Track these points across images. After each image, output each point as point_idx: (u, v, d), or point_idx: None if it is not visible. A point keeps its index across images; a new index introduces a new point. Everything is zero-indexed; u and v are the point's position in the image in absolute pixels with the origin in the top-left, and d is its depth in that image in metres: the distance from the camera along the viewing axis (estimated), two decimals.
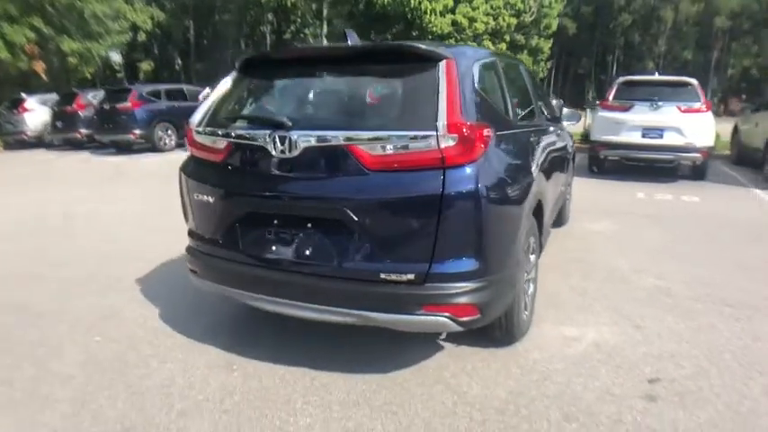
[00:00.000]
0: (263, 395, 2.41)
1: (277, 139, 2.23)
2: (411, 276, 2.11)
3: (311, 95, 2.64)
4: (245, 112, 2.70)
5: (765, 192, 7.50)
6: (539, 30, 13.78)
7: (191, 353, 2.80)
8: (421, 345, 2.82)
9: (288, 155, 2.23)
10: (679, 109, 7.65)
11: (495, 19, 11.89)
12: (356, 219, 2.13)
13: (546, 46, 14.59)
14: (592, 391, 2.44)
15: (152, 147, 12.25)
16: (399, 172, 2.10)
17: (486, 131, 2.15)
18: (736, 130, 10.11)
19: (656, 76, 9.04)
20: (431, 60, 2.21)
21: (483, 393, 2.41)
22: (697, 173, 8.17)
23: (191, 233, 2.75)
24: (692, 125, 7.60)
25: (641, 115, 7.78)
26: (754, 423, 2.20)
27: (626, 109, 7.87)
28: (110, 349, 2.87)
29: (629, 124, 7.87)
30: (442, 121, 2.04)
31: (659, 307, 3.39)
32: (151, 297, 3.55)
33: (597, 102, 10.45)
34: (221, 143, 2.47)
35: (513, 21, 12.51)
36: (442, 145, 2.04)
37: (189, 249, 2.76)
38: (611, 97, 8.22)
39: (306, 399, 2.38)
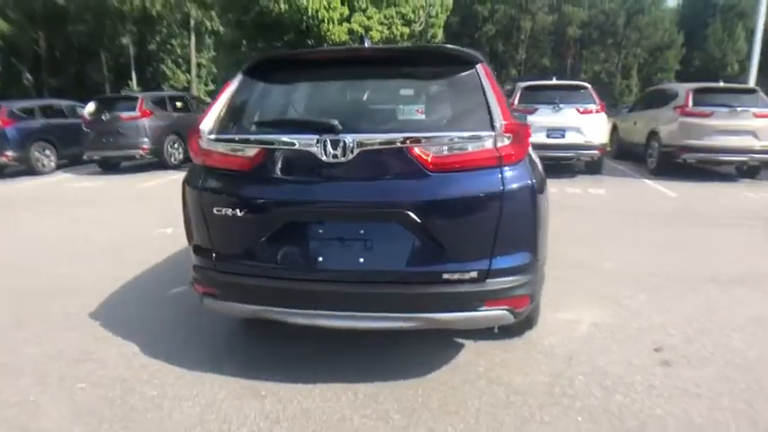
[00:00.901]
0: (311, 417, 2.33)
1: (329, 144, 2.19)
2: (474, 274, 2.21)
3: (348, 98, 2.60)
4: (272, 116, 2.56)
5: (653, 181, 8.77)
6: (426, 39, 14.60)
7: (203, 386, 2.59)
8: (440, 345, 2.92)
9: (340, 159, 2.19)
10: (578, 110, 8.71)
11: (389, 28, 12.39)
12: (418, 220, 2.17)
13: None
14: (615, 364, 2.72)
15: (28, 169, 10.72)
16: (459, 172, 2.19)
17: (529, 130, 2.32)
18: (615, 127, 11.60)
19: (555, 81, 10.09)
20: (468, 63, 2.34)
21: (526, 381, 2.58)
22: (593, 168, 9.26)
23: (203, 253, 2.52)
24: (590, 125, 8.70)
25: (545, 117, 8.65)
26: (752, 370, 2.63)
27: (531, 112, 8.67)
28: (103, 396, 2.54)
29: (535, 126, 8.67)
30: (498, 122, 2.18)
31: (627, 286, 3.84)
32: (119, 333, 3.20)
33: None
34: (251, 150, 2.33)
35: (406, 30, 13.14)
36: (499, 144, 2.17)
37: (202, 271, 2.54)
38: (516, 101, 8.99)
39: (360, 413, 2.35)
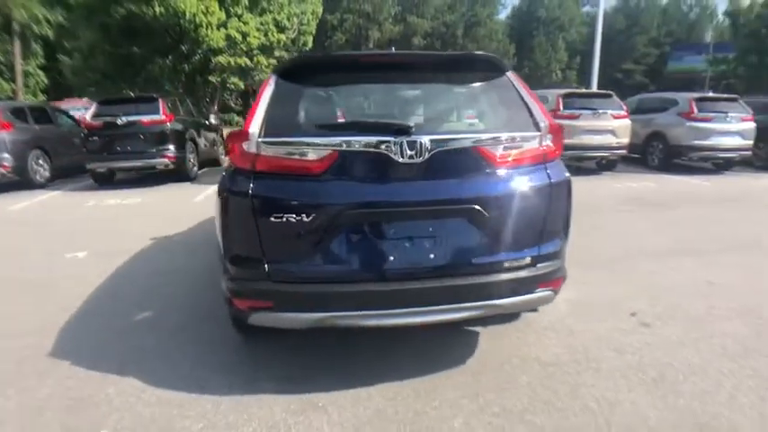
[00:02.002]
0: (387, 416, 2.41)
1: (405, 145, 2.30)
2: (528, 260, 2.51)
3: (397, 101, 2.68)
4: (331, 118, 2.54)
5: (660, 174, 10.43)
6: (298, 47, 14.73)
7: (251, 407, 2.48)
8: (457, 338, 3.16)
9: (416, 160, 2.32)
10: (612, 116, 10.09)
11: (265, 35, 12.25)
12: (486, 214, 2.40)
13: None
14: (610, 330, 3.24)
15: (25, 182, 9.15)
16: (516, 168, 2.47)
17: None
18: None
19: (587, 90, 11.27)
20: (500, 69, 2.64)
21: (551, 355, 2.96)
22: (610, 165, 10.78)
23: (251, 264, 2.41)
24: (622, 128, 10.24)
25: (587, 122, 9.90)
26: (709, 322, 3.33)
27: (576, 117, 9.84)
28: None
29: (580, 129, 9.82)
30: (543, 123, 2.51)
31: (574, 266, 4.44)
32: (102, 369, 2.86)
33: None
34: (319, 152, 2.33)
35: (283, 37, 13.10)
36: (543, 143, 2.51)
37: (248, 284, 2.43)
38: (561, 108, 9.98)
39: (431, 405, 2.49)
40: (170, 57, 11.38)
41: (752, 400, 2.52)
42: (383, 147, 2.32)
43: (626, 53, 53.33)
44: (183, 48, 11.05)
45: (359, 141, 2.34)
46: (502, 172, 2.46)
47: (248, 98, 19.20)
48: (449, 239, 2.43)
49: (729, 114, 10.57)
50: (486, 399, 2.54)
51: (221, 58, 11.32)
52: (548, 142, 2.53)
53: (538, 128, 2.52)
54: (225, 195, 2.44)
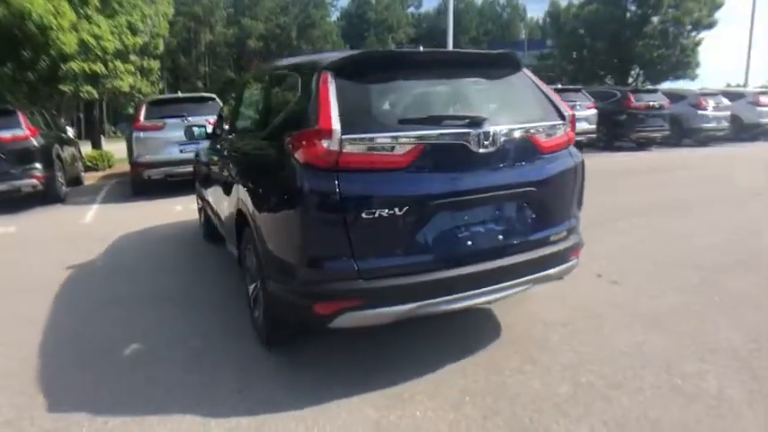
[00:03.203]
0: (482, 388, 2.60)
1: (482, 136, 2.48)
2: (564, 233, 2.87)
3: (452, 95, 2.77)
4: (404, 113, 2.53)
5: None
6: (149, 51, 13.57)
7: (339, 410, 2.42)
8: (470, 321, 3.35)
9: (489, 149, 2.52)
10: (586, 107, 12.84)
11: (120, 38, 11.04)
12: (539, 196, 2.68)
13: (155, 67, 14.45)
14: (593, 291, 3.77)
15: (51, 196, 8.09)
16: (555, 153, 2.80)
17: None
18: None
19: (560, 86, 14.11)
20: (518, 66, 2.94)
21: (558, 318, 3.36)
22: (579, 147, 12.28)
23: (338, 264, 2.36)
24: (592, 116, 13.03)
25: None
26: (674, 270, 4.07)
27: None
28: None
29: None
30: (567, 113, 2.87)
31: None
32: (121, 401, 2.53)
33: None
34: (404, 147, 2.37)
35: (139, 41, 11.93)
36: (567, 130, 2.88)
37: (334, 285, 2.36)
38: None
39: (506, 374, 2.73)
40: (8, 65, 9.68)
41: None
42: (463, 138, 2.48)
43: None
44: (25, 53, 9.48)
45: (443, 134, 2.46)
46: (546, 157, 2.78)
47: (92, 109, 17.12)
48: (511, 220, 2.68)
49: (577, 103, 12.47)
50: (543, 359, 2.85)
51: (74, 65, 9.97)
52: (568, 130, 2.92)
53: (563, 117, 2.89)
54: (304, 196, 2.33)
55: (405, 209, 2.34)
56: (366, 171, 2.36)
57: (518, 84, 2.91)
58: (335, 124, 2.30)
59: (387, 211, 2.32)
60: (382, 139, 2.36)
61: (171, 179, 8.72)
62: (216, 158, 4.31)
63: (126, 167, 12.15)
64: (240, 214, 3.13)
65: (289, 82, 3.01)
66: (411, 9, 62.37)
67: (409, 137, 2.39)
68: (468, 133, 2.48)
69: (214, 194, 4.36)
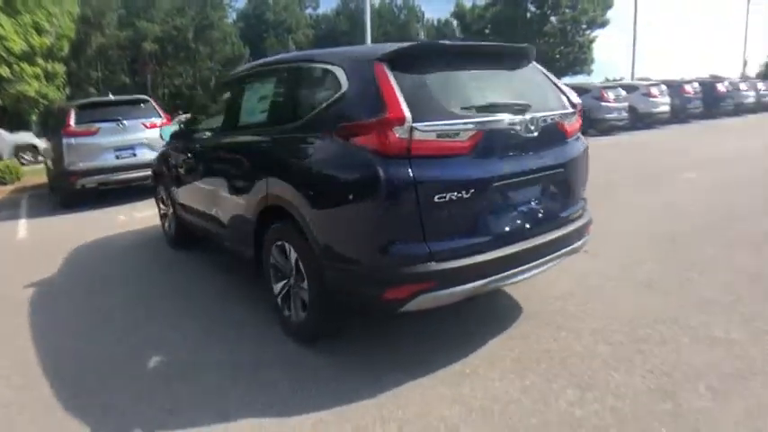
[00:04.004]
0: (539, 359, 2.79)
1: (528, 122, 2.66)
2: (581, 211, 3.14)
3: (492, 84, 2.88)
4: (460, 101, 2.61)
5: None
6: (54, 53, 12.43)
7: (415, 396, 2.51)
8: (477, 310, 3.51)
9: (532, 134, 2.72)
10: None
11: (25, 39, 9.99)
12: (565, 176, 2.93)
13: (60, 70, 13.24)
14: (579, 265, 4.08)
15: None
16: (573, 137, 3.06)
17: None
18: None
19: None
20: (533, 58, 3.16)
21: (567, 288, 3.67)
22: None
23: (411, 248, 2.42)
24: None
25: None
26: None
27: None
28: None
29: None
30: (577, 101, 3.13)
31: None
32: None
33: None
34: (467, 133, 2.48)
35: (46, 41, 10.85)
36: (577, 117, 3.15)
37: (408, 269, 2.40)
38: None
39: (546, 348, 2.96)
40: None
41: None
42: (514, 124, 2.66)
43: None
44: None
45: (497, 120, 2.62)
46: (569, 141, 3.05)
47: None
48: (548, 199, 2.90)
49: None
50: (570, 326, 3.10)
51: None
52: (578, 117, 3.18)
53: (574, 106, 3.14)
54: (379, 184, 2.37)
55: (470, 191, 2.48)
56: (434, 157, 2.46)
57: (536, 75, 3.13)
58: (407, 112, 2.37)
59: (455, 194, 2.44)
60: (448, 126, 2.48)
61: (103, 188, 8.20)
62: (205, 158, 4.14)
63: (38, 179, 11.18)
64: (268, 211, 3.07)
65: (318, 75, 3.01)
66: (309, 10, 62.16)
67: (470, 124, 2.54)
68: (517, 119, 2.67)
69: (203, 196, 4.19)
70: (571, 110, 3.11)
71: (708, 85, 20.13)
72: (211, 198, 4.00)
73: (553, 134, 2.92)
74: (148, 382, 2.80)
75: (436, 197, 2.41)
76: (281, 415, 2.40)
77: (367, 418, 2.34)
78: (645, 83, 18.74)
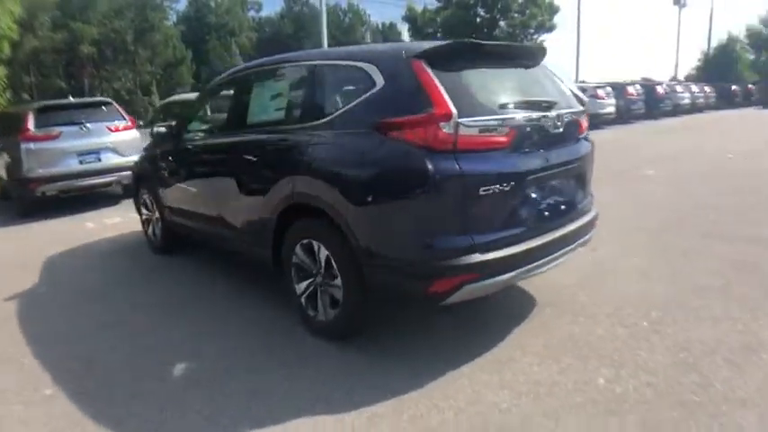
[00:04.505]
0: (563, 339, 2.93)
1: (555, 118, 2.80)
2: (591, 204, 3.32)
3: (518, 82, 2.99)
4: (497, 98, 2.73)
5: None
6: None
7: (457, 385, 2.57)
8: (492, 302, 3.62)
9: (558, 129, 2.87)
10: None
11: None
12: (581, 171, 3.10)
13: (2, 73, 12.41)
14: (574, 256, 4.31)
15: None
16: (584, 133, 3.24)
17: None
18: None
19: None
20: (543, 59, 3.31)
21: (573, 282, 3.85)
22: None
23: (456, 241, 2.49)
24: None
25: None
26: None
27: None
28: None
29: None
30: (585, 99, 3.31)
31: None
32: None
33: None
34: (505, 128, 2.59)
35: None
36: (586, 115, 3.33)
37: (455, 261, 2.47)
38: None
39: (578, 321, 3.11)
40: None
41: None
42: (544, 120, 2.81)
43: None
44: None
45: (531, 116, 2.75)
46: (581, 137, 3.24)
47: None
48: (567, 192, 3.06)
49: None
50: (586, 312, 3.28)
51: None
52: (586, 114, 3.37)
53: (582, 104, 3.32)
54: (427, 178, 2.44)
55: (509, 184, 2.60)
56: (477, 151, 2.56)
57: (549, 74, 3.29)
58: (453, 108, 2.46)
59: (496, 187, 2.54)
60: (489, 121, 2.59)
61: (65, 195, 7.81)
62: (206, 159, 4.07)
63: None
64: (290, 210, 3.07)
65: (346, 72, 3.04)
66: (252, 13, 61.32)
67: (508, 119, 2.67)
68: (547, 116, 2.83)
69: (203, 198, 4.10)
70: (582, 108, 3.29)
71: (649, 88, 21.38)
72: (215, 199, 3.93)
73: (572, 130, 3.08)
74: (183, 388, 2.73)
75: (480, 190, 2.50)
76: (332, 412, 2.41)
77: (420, 407, 2.39)
78: (592, 85, 19.66)
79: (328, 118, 2.95)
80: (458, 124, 2.46)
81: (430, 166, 2.43)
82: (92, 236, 6.31)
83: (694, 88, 25.30)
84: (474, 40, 2.89)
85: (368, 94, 2.75)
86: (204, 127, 4.55)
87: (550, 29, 27.43)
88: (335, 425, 2.31)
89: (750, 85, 33.06)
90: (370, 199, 2.65)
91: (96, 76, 45.81)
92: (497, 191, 2.55)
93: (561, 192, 3.00)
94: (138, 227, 6.08)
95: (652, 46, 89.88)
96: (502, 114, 2.67)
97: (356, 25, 64.27)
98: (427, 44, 2.74)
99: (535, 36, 27.69)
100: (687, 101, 23.51)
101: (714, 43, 42.73)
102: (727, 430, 2.16)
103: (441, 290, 2.52)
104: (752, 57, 43.99)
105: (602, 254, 4.33)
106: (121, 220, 7.01)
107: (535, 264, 2.77)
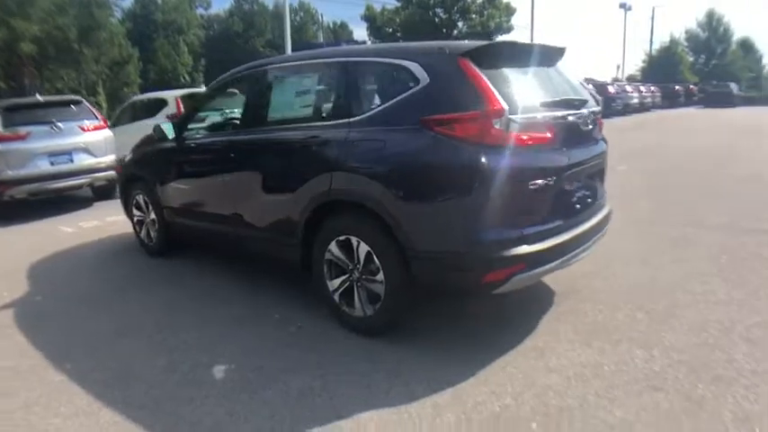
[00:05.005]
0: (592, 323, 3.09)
1: (587, 115, 2.97)
2: (606, 198, 3.51)
3: (549, 80, 3.12)
4: (540, 96, 2.89)
5: None
6: None
7: (510, 366, 2.65)
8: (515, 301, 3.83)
9: (589, 127, 3.05)
10: None
11: None
12: (603, 166, 3.30)
13: None
14: None
15: None
16: (601, 131, 3.41)
17: None
18: None
19: None
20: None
21: (585, 271, 4.01)
22: None
23: (507, 232, 2.61)
24: None
25: None
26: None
27: None
28: None
29: None
30: (600, 98, 3.49)
31: None
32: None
33: None
34: (548, 125, 2.74)
35: None
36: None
37: (506, 251, 2.57)
38: None
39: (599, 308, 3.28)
40: None
41: None
42: (579, 117, 2.98)
43: (248, 55, 56.96)
44: None
45: (568, 113, 2.91)
46: (600, 134, 3.41)
47: None
48: (593, 186, 3.24)
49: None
50: (604, 300, 3.47)
51: None
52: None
53: (598, 103, 3.50)
54: (482, 173, 2.54)
55: (553, 179, 2.75)
56: (525, 147, 2.68)
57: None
58: (505, 105, 2.57)
59: (542, 181, 2.69)
60: (535, 118, 2.74)
61: (34, 198, 7.43)
62: (222, 157, 3.94)
63: None
64: (325, 207, 3.09)
65: (384, 70, 3.09)
66: (200, 10, 59.74)
67: (550, 116, 2.82)
68: (581, 113, 2.99)
69: (216, 197, 4.04)
70: (599, 107, 3.47)
71: (601, 87, 22.30)
72: (231, 198, 3.87)
73: (596, 127, 3.26)
74: (230, 390, 2.68)
75: (529, 184, 2.64)
76: (394, 404, 2.44)
77: (479, 395, 2.48)
78: None
79: (367, 114, 2.99)
80: (509, 121, 2.58)
81: (485, 161, 2.54)
82: (73, 241, 6.05)
83: (642, 88, 26.62)
84: (511, 40, 3.01)
85: (411, 91, 2.81)
86: (216, 124, 4.47)
87: (508, 30, 28.22)
88: (401, 416, 2.36)
89: (691, 86, 35.10)
90: (421, 194, 2.71)
91: (38, 76, 43.57)
92: (543, 185, 2.69)
93: (588, 186, 3.16)
94: (122, 229, 5.90)
95: (599, 48, 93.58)
96: (544, 111, 2.81)
97: (308, 24, 63.76)
98: (469, 43, 2.84)
99: (493, 37, 28.36)
100: (636, 100, 24.72)
101: (657, 45, 45.08)
102: (762, 400, 2.35)
103: (493, 280, 2.64)
104: (691, 59, 46.63)
105: (602, 245, 4.54)
106: (100, 224, 6.78)
107: (571, 254, 2.92)
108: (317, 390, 2.61)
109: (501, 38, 28.82)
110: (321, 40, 53.53)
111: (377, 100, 3.06)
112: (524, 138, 2.67)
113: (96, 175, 7.79)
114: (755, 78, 50.39)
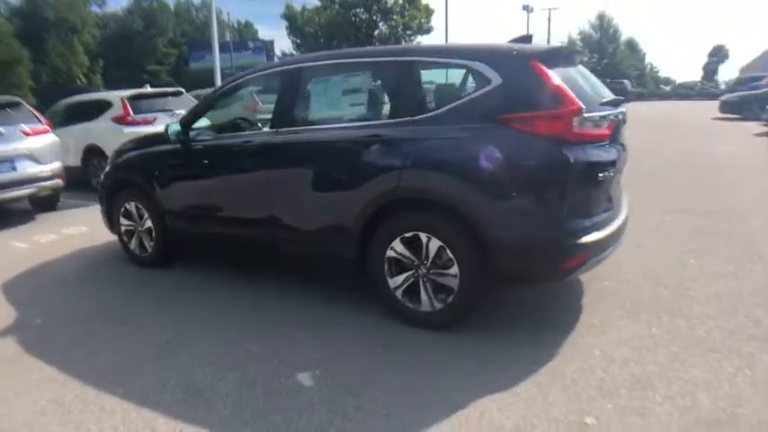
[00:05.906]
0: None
1: (623, 113, 3.31)
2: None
3: (591, 81, 3.38)
4: (592, 96, 3.11)
5: None
6: None
7: (567, 349, 2.90)
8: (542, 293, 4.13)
9: (623, 124, 3.35)
10: None
11: None
12: (626, 162, 3.61)
13: None
14: None
15: None
16: None
17: None
18: None
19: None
20: None
21: None
22: None
23: (577, 223, 2.85)
24: None
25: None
26: None
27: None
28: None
29: None
30: (621, 100, 3.84)
31: None
32: None
33: None
34: (607, 123, 3.04)
35: None
36: None
37: (573, 242, 2.83)
38: None
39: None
40: None
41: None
42: (619, 115, 3.30)
43: (149, 54, 53.81)
44: None
45: (613, 111, 3.20)
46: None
47: None
48: (619, 180, 3.56)
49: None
50: (624, 279, 3.86)
51: None
52: None
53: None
54: (566, 168, 2.77)
55: (611, 171, 3.08)
56: (593, 142, 2.98)
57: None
58: (582, 104, 2.83)
59: (606, 173, 3.01)
60: (600, 116, 3.04)
61: None
62: (256, 158, 3.76)
63: None
64: (386, 205, 3.17)
65: (446, 70, 3.33)
66: (94, 8, 55.57)
67: (608, 114, 3.14)
68: (621, 112, 3.33)
69: (247, 201, 3.89)
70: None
71: None
72: (268, 200, 3.72)
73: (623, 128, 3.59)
74: (318, 396, 2.65)
75: (598, 176, 2.94)
76: (502, 389, 2.58)
77: (573, 373, 2.70)
78: None
79: (434, 113, 3.11)
80: (584, 118, 2.85)
81: (568, 156, 2.79)
82: (33, 258, 5.30)
83: None
84: (566, 46, 3.28)
85: (483, 90, 2.98)
86: (237, 123, 4.34)
87: (428, 31, 29.10)
88: (515, 398, 2.52)
89: None
90: (504, 188, 2.88)
91: None
92: (606, 177, 3.02)
93: (619, 180, 3.52)
94: (88, 243, 5.52)
95: None
96: (602, 110, 3.12)
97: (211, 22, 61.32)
98: (537, 46, 3.16)
99: (413, 38, 29.13)
100: None
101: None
102: None
103: (571, 267, 2.92)
104: (585, 58, 50.55)
105: None
106: (59, 237, 6.21)
107: (617, 243, 3.26)
108: (418, 385, 2.66)
109: (419, 39, 29.78)
110: (228, 39, 51.85)
111: (442, 99, 3.21)
112: (594, 133, 2.99)
113: (42, 184, 7.12)
114: (640, 76, 55.92)
